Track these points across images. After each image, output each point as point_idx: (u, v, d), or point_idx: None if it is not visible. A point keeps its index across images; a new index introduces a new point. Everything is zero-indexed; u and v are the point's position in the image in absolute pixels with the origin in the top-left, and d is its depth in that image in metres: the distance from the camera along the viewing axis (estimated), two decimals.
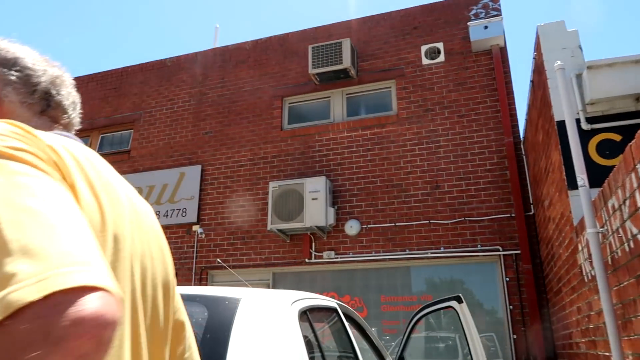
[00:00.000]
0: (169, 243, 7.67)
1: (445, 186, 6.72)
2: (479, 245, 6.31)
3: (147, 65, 9.13)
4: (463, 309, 2.60)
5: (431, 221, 6.61)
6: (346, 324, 2.60)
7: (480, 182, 6.58)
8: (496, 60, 6.94)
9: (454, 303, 2.64)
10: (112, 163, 8.55)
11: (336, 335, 2.64)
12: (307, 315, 2.00)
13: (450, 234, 6.49)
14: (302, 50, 8.11)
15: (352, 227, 6.83)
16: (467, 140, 6.81)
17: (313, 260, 6.89)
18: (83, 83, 9.48)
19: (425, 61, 7.37)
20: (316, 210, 6.68)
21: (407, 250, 6.59)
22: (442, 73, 7.24)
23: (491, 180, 6.55)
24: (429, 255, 6.46)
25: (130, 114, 8.82)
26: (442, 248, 6.46)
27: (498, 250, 6.22)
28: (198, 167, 7.90)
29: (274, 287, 7.07)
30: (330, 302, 2.53)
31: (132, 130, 8.76)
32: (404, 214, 6.77)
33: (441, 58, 7.31)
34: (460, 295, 2.67)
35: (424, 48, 7.43)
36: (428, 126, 7.06)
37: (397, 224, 6.73)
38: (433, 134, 7.00)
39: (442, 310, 2.95)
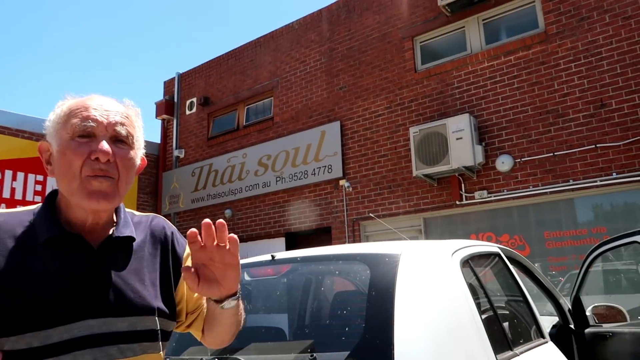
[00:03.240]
0: (319, 199, 8.07)
1: (613, 103, 5.86)
2: None
3: (276, 32, 9.43)
4: None
5: (598, 145, 5.86)
6: (511, 267, 2.48)
7: None
8: None
9: (639, 238, 2.32)
10: (259, 132, 9.18)
11: (502, 280, 2.54)
12: (469, 263, 1.94)
13: (624, 157, 5.71)
14: None
15: (503, 163, 6.40)
16: (637, 46, 5.79)
17: (464, 201, 6.66)
18: (224, 61, 10.19)
19: None
20: (462, 150, 6.38)
21: (570, 180, 5.98)
22: None
23: None
24: (598, 183, 5.79)
25: (268, 83, 9.28)
26: (614, 174, 5.72)
27: None
28: (337, 124, 8.06)
29: (425, 232, 7.04)
30: (492, 247, 2.43)
31: (272, 98, 9.23)
32: (563, 141, 6.11)
33: None
34: None
35: None
36: (585, 38, 6.15)
37: (556, 153, 6.12)
38: (592, 45, 6.09)
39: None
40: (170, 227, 1.20)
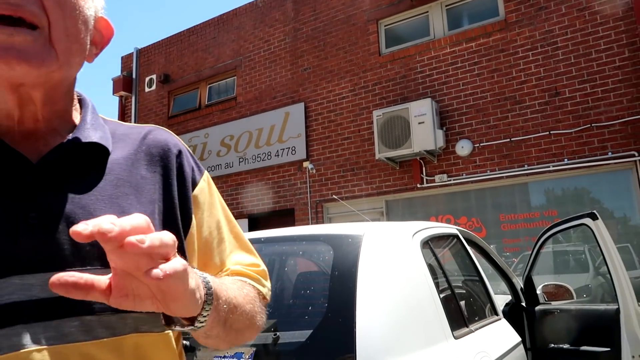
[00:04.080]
0: (282, 181, 8.05)
1: (566, 92, 6.09)
2: (610, 153, 5.74)
3: (239, 10, 9.22)
4: (599, 226, 2.40)
5: (552, 132, 6.10)
6: (468, 248, 2.57)
7: (609, 82, 5.85)
8: None
9: (587, 220, 2.45)
10: (222, 111, 9.02)
11: (459, 261, 2.63)
12: (429, 244, 2.00)
13: (575, 144, 5.96)
14: None
15: (463, 148, 6.56)
16: (591, 37, 6.01)
17: (425, 185, 6.81)
18: (185, 37, 9.90)
19: None
20: (424, 134, 6.49)
21: (525, 165, 6.21)
22: None
23: (622, 78, 5.78)
24: (551, 168, 6.04)
25: (232, 61, 9.10)
26: (565, 159, 5.98)
27: (633, 156, 5.60)
28: (301, 105, 8.02)
29: (387, 214, 7.17)
30: (451, 229, 2.50)
31: (235, 77, 9.07)
32: (519, 127, 6.32)
33: None
34: (594, 211, 2.46)
35: None
36: (542, 27, 6.33)
37: (512, 139, 6.32)
38: (549, 35, 6.28)
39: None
40: (178, 144, 0.78)
